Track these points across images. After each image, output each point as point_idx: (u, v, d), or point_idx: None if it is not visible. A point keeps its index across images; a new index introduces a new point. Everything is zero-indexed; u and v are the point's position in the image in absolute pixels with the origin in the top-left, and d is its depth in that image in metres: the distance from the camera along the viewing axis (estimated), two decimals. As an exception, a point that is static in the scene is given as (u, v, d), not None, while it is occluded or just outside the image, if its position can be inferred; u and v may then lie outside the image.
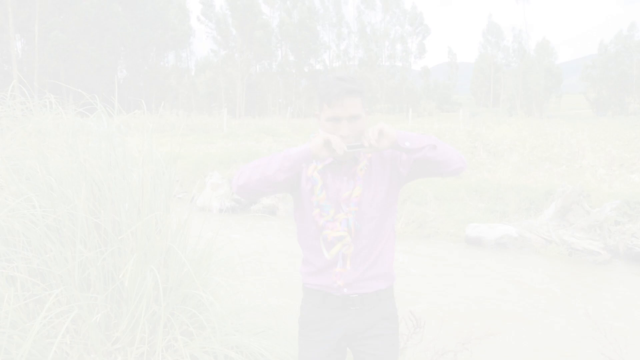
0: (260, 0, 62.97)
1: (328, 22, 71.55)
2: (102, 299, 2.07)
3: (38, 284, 2.14)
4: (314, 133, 1.77)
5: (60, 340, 2.03)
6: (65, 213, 2.18)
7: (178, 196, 10.30)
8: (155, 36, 52.20)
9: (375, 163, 1.72)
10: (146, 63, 54.72)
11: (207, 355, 2.17)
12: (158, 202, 2.47)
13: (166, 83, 55.72)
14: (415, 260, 6.48)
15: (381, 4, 70.77)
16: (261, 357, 2.35)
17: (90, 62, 41.37)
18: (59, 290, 2.05)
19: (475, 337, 2.71)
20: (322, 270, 1.71)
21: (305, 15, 66.09)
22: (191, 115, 36.24)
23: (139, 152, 2.62)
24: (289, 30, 63.40)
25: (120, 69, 53.48)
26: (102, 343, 2.05)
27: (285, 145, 16.69)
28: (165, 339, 2.19)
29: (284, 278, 1.86)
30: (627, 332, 4.15)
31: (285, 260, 1.63)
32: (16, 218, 2.22)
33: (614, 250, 6.49)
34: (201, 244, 2.69)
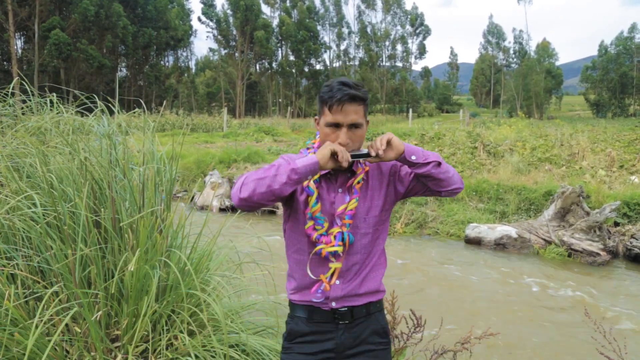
0: (261, 0, 62.99)
1: (328, 22, 71.62)
2: (102, 296, 2.07)
3: (38, 281, 2.15)
4: (311, 139, 1.73)
5: (60, 338, 2.04)
6: (65, 211, 2.18)
7: (178, 195, 10.31)
8: (155, 35, 52.16)
9: (373, 177, 1.64)
10: (146, 62, 54.70)
11: (207, 354, 2.18)
12: (158, 201, 2.48)
13: (166, 82, 55.72)
14: (415, 260, 6.49)
15: (381, 4, 70.83)
16: (261, 356, 2.36)
17: (91, 61, 41.34)
18: (59, 288, 2.06)
19: (475, 337, 2.71)
20: (310, 286, 1.62)
21: (305, 15, 66.10)
22: (191, 114, 36.30)
23: (140, 150, 2.62)
24: (289, 30, 63.39)
25: (120, 68, 53.46)
26: (102, 341, 2.06)
27: (286, 145, 16.70)
28: (166, 337, 2.19)
29: (283, 277, 1.85)
30: (627, 333, 4.16)
31: (284, 259, 1.62)
32: (17, 216, 2.23)
33: (614, 252, 6.49)
34: (201, 242, 2.69)
